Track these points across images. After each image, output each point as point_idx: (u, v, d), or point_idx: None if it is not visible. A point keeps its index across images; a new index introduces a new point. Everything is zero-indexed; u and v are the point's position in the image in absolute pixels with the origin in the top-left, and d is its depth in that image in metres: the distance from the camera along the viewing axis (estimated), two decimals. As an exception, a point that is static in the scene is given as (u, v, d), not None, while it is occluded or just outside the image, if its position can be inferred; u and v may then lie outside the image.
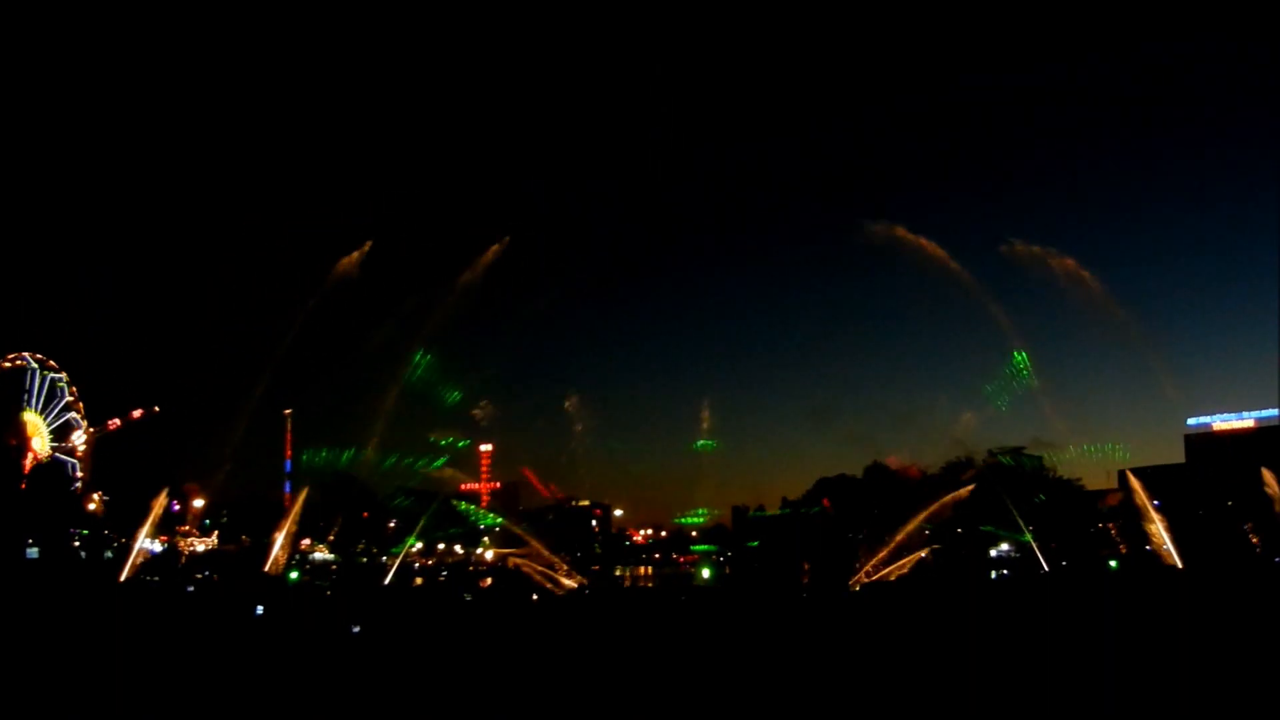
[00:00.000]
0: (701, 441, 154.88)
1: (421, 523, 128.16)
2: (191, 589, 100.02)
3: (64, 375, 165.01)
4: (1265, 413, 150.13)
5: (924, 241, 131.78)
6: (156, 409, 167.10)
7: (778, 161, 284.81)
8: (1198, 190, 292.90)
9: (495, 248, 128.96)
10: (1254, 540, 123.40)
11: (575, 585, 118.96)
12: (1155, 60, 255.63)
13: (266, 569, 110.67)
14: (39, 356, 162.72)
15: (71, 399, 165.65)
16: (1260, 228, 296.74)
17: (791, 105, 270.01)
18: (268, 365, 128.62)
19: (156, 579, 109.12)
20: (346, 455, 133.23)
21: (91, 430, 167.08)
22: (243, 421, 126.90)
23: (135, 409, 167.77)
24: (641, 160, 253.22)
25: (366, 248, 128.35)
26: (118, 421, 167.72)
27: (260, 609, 75.99)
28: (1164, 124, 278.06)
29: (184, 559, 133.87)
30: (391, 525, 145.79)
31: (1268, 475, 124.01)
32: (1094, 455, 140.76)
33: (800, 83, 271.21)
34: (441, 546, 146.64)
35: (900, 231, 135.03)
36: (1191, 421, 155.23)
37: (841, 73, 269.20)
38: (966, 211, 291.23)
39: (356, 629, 68.33)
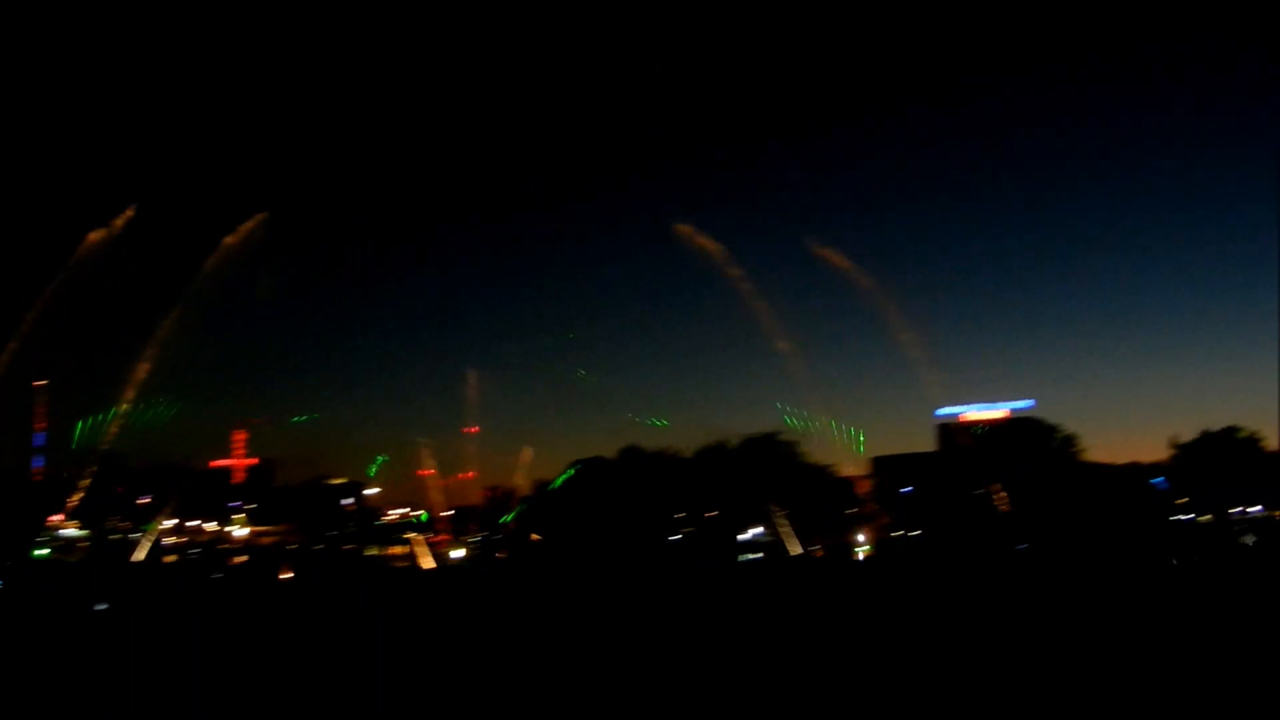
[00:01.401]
0: None
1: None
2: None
3: None
4: (1019, 404, 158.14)
5: (707, 242, 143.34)
6: None
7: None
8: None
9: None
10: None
11: None
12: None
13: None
14: None
15: None
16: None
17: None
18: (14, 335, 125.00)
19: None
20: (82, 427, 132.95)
21: None
22: None
23: None
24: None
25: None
26: None
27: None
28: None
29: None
30: (146, 500, 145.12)
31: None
32: (844, 441, 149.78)
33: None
34: (194, 523, 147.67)
35: (687, 230, 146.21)
36: (939, 412, 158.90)
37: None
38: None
39: (103, 606, 66.73)
